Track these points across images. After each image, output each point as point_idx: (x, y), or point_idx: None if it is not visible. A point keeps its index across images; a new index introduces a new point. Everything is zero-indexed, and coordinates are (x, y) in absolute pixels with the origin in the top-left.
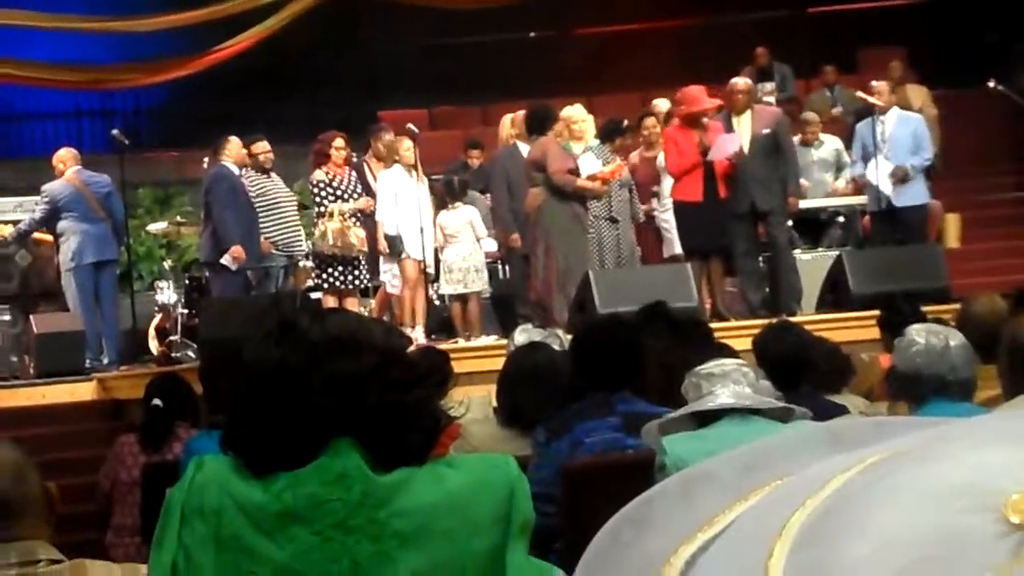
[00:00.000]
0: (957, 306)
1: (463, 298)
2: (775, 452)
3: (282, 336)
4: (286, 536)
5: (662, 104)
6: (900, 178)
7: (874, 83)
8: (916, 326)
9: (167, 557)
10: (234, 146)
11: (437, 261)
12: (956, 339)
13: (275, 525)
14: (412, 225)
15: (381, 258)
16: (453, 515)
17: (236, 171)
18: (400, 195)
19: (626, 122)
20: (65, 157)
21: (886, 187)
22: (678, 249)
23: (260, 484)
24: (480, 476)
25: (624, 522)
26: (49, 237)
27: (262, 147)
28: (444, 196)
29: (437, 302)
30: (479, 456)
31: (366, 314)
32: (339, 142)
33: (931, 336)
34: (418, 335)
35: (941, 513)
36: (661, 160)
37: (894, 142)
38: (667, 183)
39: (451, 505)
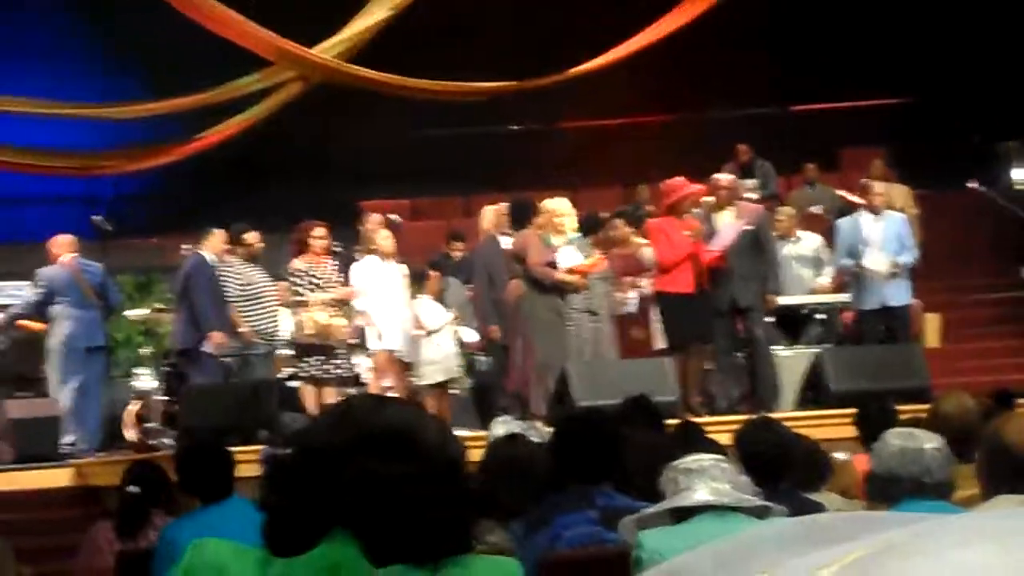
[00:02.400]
0: None
1: (438, 391)
2: (751, 547)
3: (337, 418)
4: None
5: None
6: (892, 274)
7: (872, 184)
8: (893, 430)
9: None
10: (216, 238)
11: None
12: (932, 442)
13: None
14: (387, 315)
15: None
16: None
17: (214, 261)
18: (375, 285)
19: (606, 215)
20: (62, 243)
21: (880, 280)
22: (661, 343)
23: (257, 569)
24: None
25: None
26: (31, 323)
27: (253, 236)
28: (414, 286)
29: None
30: (485, 558)
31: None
32: (319, 231)
33: (906, 439)
34: None
35: None
36: (644, 254)
37: (884, 240)
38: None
39: None
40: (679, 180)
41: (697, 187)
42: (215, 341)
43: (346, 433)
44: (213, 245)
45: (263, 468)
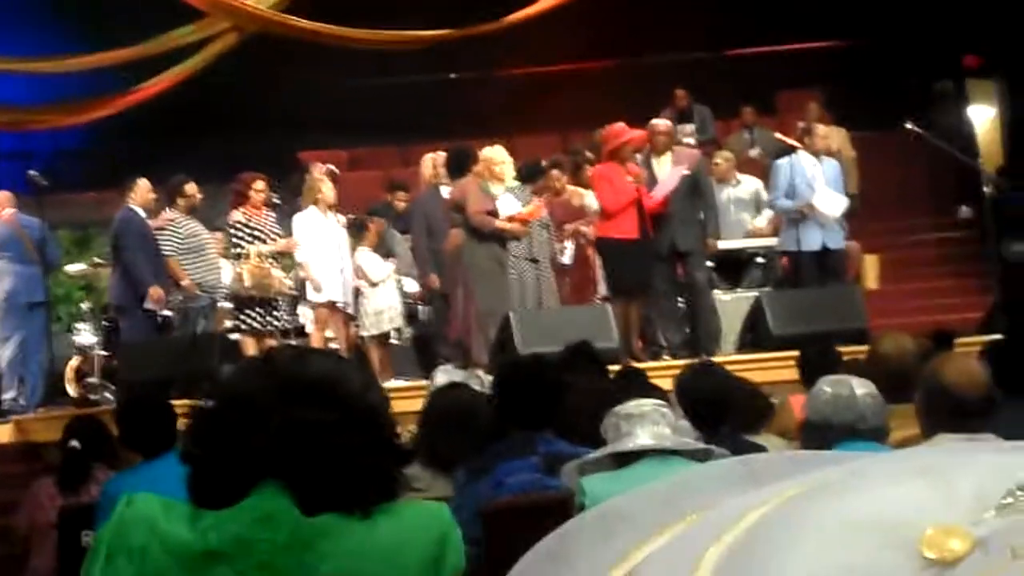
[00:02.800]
0: None
1: (381, 340)
2: (692, 487)
3: (259, 369)
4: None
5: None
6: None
7: (817, 127)
8: (826, 377)
9: None
10: (142, 189)
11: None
12: (864, 388)
13: (199, 564)
14: (328, 267)
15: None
16: (381, 561)
17: (142, 214)
18: (316, 237)
19: (545, 163)
20: (1, 199)
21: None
22: (603, 290)
23: (187, 522)
24: (413, 523)
25: (540, 557)
26: None
27: (192, 188)
28: (354, 237)
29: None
30: (414, 503)
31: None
32: (259, 184)
33: (838, 387)
34: None
35: (859, 549)
36: (584, 199)
37: (827, 183)
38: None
39: (381, 551)
40: (620, 126)
41: (638, 133)
42: (154, 298)
43: (268, 382)
44: (140, 196)
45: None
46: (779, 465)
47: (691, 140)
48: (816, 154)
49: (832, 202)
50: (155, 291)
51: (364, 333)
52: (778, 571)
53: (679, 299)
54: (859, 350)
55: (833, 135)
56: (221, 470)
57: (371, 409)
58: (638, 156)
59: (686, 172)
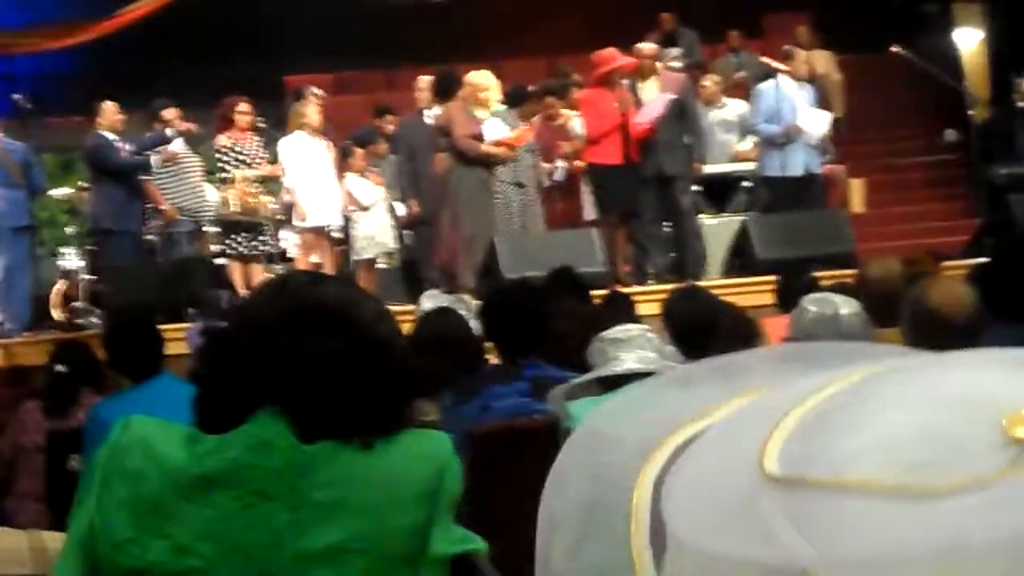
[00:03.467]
0: None
1: (370, 265)
2: (748, 366)
3: (273, 294)
4: (206, 500)
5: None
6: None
7: (796, 51)
8: (810, 296)
9: (84, 518)
10: (110, 111)
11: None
12: (848, 307)
13: (195, 489)
14: (315, 191)
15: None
16: (378, 490)
17: (111, 137)
18: (303, 161)
19: (532, 88)
20: None
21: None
22: (591, 215)
23: (185, 447)
24: (411, 452)
25: (602, 419)
26: None
27: (172, 112)
28: (341, 162)
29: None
30: (415, 432)
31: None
32: (243, 107)
33: (822, 305)
34: None
35: (939, 418)
36: (573, 126)
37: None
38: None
39: (377, 479)
40: (609, 51)
41: (628, 60)
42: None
43: (281, 308)
44: (107, 120)
45: (196, 341)
46: (832, 352)
47: (677, 64)
48: (797, 79)
49: (816, 120)
50: (170, 210)
51: (355, 257)
52: (854, 433)
53: (665, 224)
54: (846, 274)
55: (819, 58)
56: (227, 394)
57: (381, 339)
58: (625, 82)
59: (672, 97)
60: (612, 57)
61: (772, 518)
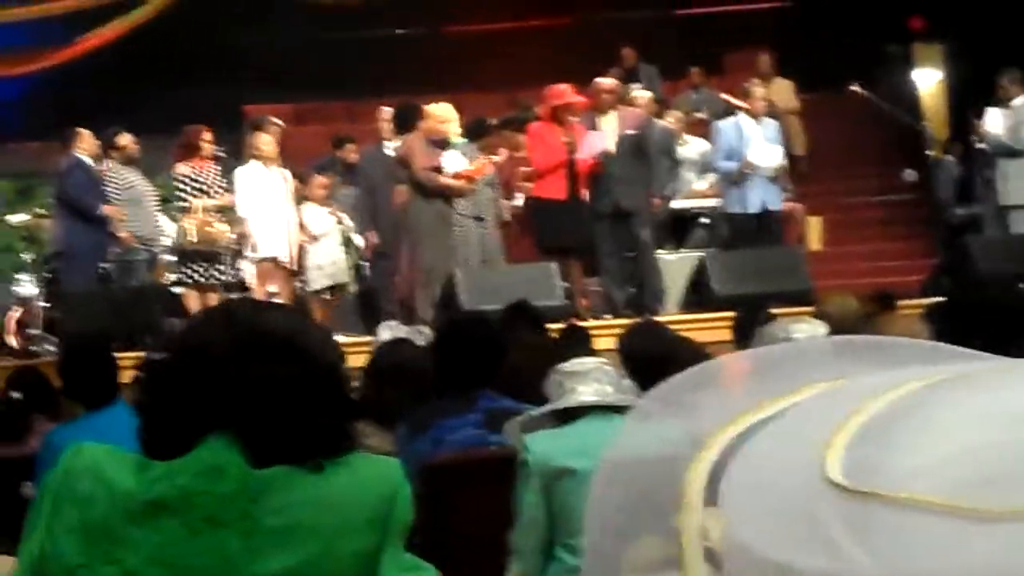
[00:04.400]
0: None
1: (323, 296)
2: (799, 358)
3: (218, 320)
4: (155, 526)
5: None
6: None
7: (754, 88)
8: (775, 322)
9: (35, 543)
10: (87, 139)
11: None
12: (806, 332)
13: (145, 514)
14: (271, 221)
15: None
16: (329, 514)
17: (90, 163)
18: (258, 191)
19: (492, 121)
20: None
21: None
22: None
23: (135, 473)
24: (364, 478)
25: (656, 404)
26: None
27: (127, 139)
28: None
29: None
30: (366, 457)
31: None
32: (207, 136)
33: (784, 333)
34: None
35: (1003, 437)
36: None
37: (765, 142)
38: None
39: (329, 504)
40: (563, 87)
41: (580, 99)
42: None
43: (227, 335)
44: (86, 146)
45: (141, 371)
46: (888, 349)
47: (644, 96)
48: (754, 115)
49: (767, 155)
50: (112, 210)
51: (307, 288)
52: (920, 444)
53: (625, 257)
54: (803, 311)
55: (778, 88)
56: (173, 421)
57: (330, 365)
58: (574, 120)
59: (629, 132)
60: (563, 93)
61: (833, 527)
